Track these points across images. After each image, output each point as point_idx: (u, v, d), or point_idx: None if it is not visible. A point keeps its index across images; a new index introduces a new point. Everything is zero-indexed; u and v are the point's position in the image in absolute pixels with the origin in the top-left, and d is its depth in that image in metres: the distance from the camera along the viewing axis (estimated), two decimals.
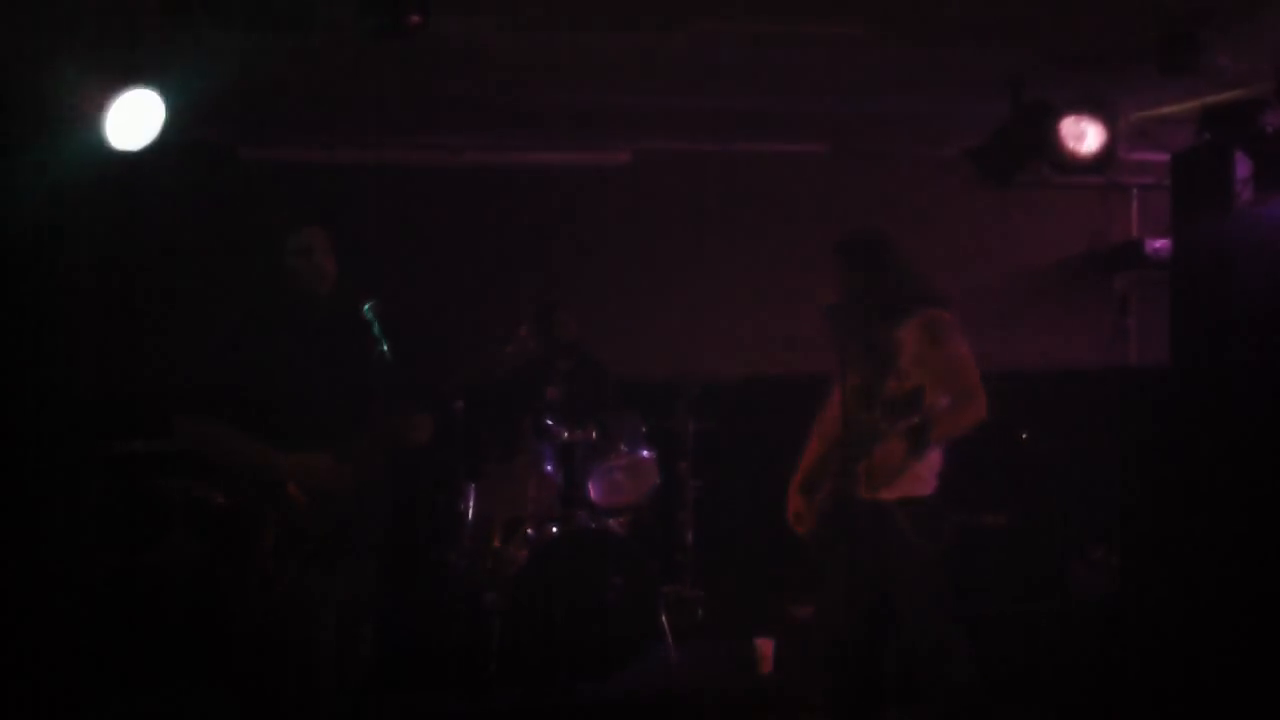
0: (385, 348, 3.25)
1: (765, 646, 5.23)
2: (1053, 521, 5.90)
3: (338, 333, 3.36)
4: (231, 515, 3.19)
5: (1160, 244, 6.32)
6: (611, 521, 5.53)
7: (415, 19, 3.61)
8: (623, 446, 5.66)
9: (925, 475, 3.85)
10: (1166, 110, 5.18)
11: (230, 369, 3.27)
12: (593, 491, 5.65)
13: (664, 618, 5.34)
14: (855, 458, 3.74)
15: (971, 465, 5.61)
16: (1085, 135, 4.86)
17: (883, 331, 3.82)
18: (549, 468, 5.58)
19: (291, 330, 3.36)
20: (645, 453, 5.71)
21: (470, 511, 5.82)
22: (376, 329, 3.24)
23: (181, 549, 5.30)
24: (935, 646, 3.79)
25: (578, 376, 6.21)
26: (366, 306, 3.26)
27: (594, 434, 5.65)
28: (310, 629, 3.23)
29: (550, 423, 5.64)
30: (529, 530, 5.42)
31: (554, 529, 5.33)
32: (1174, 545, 5.15)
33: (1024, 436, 6.11)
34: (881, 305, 3.83)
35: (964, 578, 5.78)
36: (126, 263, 6.04)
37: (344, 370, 3.33)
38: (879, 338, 3.81)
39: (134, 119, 3.76)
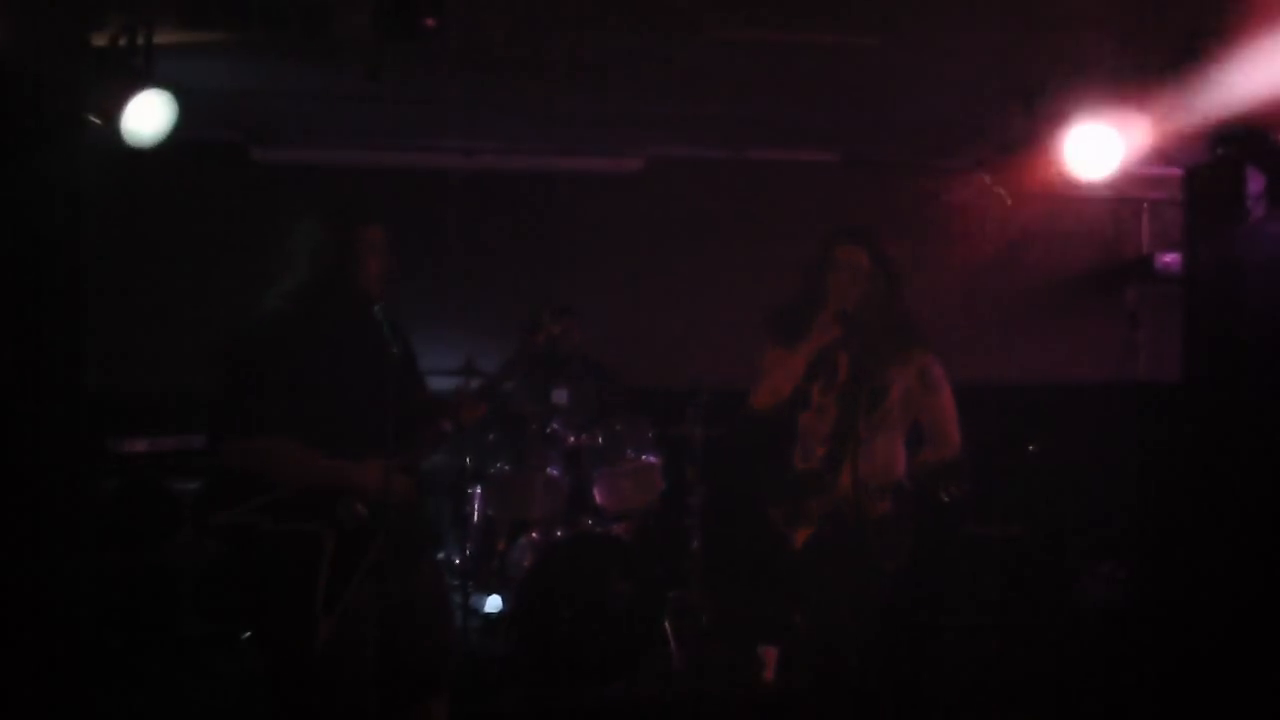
0: (396, 350, 3.19)
1: (769, 654, 5.23)
2: (1061, 534, 5.89)
3: (389, 337, 3.19)
4: (285, 538, 3.05)
5: (1171, 259, 6.31)
6: (617, 526, 5.53)
7: (429, 22, 3.62)
8: (629, 452, 5.65)
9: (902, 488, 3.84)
10: (1180, 124, 5.16)
11: (289, 377, 3.06)
12: (599, 496, 5.64)
13: (668, 623, 5.34)
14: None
15: (981, 477, 5.64)
16: (1098, 147, 4.84)
17: (880, 365, 3.60)
18: (555, 472, 5.57)
19: (356, 336, 3.18)
20: (652, 458, 5.70)
21: (476, 514, 5.83)
22: (387, 330, 3.18)
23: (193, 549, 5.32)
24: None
25: (585, 381, 6.21)
26: (376, 308, 3.20)
27: (601, 439, 5.65)
28: (368, 643, 3.07)
29: (557, 427, 5.64)
30: (534, 534, 5.42)
31: (559, 533, 5.33)
32: (1182, 559, 5.15)
33: (1032, 449, 6.10)
34: (884, 335, 3.59)
35: (973, 588, 5.83)
36: (136, 261, 6.07)
37: (397, 375, 3.18)
38: (873, 371, 3.58)
39: (148, 118, 3.78)
